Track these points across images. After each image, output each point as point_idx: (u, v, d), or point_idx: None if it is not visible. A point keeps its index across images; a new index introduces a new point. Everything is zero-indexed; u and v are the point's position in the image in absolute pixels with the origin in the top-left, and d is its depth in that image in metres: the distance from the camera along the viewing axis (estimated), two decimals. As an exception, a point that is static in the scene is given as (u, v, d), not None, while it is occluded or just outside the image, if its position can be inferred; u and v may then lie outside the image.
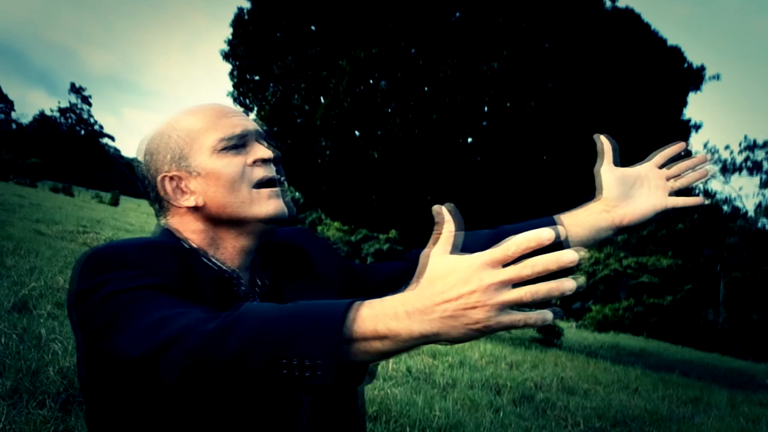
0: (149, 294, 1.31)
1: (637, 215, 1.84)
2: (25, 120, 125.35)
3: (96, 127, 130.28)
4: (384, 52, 18.05)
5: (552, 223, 1.87)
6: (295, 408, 1.53)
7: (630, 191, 1.85)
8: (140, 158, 1.67)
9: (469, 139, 19.64)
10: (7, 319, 7.41)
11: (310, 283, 1.72)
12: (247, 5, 21.36)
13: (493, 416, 8.41)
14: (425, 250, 1.13)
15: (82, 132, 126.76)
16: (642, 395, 12.75)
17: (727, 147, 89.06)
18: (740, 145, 60.42)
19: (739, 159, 60.13)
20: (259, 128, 1.66)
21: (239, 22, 21.33)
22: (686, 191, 1.88)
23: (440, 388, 9.48)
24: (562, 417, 9.44)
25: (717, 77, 22.70)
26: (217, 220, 1.58)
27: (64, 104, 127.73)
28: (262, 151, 1.60)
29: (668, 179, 1.87)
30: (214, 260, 1.57)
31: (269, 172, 1.60)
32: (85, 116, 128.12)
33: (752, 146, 59.49)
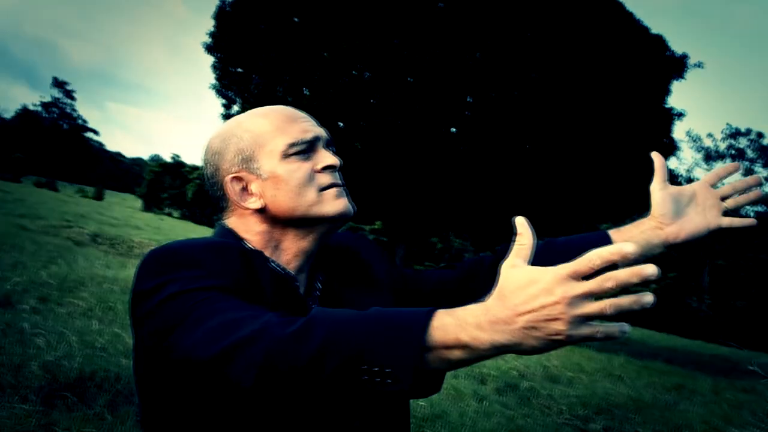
0: (215, 295, 1.32)
1: (691, 233, 1.83)
2: (8, 115, 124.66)
3: (79, 121, 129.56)
4: (367, 43, 18.04)
5: (605, 238, 1.89)
6: (350, 406, 1.54)
7: (683, 209, 1.85)
8: (207, 157, 1.68)
9: (453, 129, 19.65)
10: (-10, 314, 7.40)
11: (364, 287, 1.74)
12: (229, -3, 21.31)
13: (477, 405, 8.45)
14: (504, 261, 1.13)
15: (66, 126, 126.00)
16: (626, 383, 12.81)
17: (710, 135, 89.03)
18: (723, 132, 60.57)
19: (722, 146, 60.39)
20: (326, 134, 1.66)
21: (222, 14, 21.26)
22: (737, 211, 1.88)
23: (425, 377, 9.48)
24: (546, 405, 9.49)
25: (700, 65, 22.73)
26: (279, 223, 1.59)
27: (47, 99, 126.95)
28: (330, 158, 1.61)
29: (721, 199, 1.85)
30: (272, 262, 1.58)
31: (336, 179, 1.61)
32: (69, 110, 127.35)
33: (735, 134, 59.73)
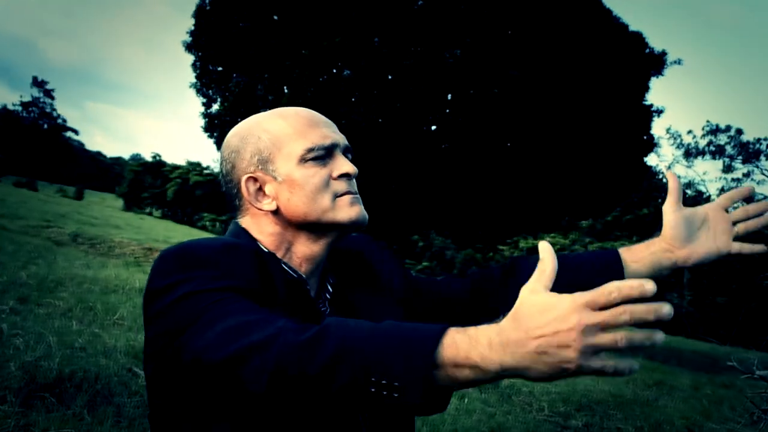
0: (229, 296, 1.33)
1: (701, 257, 1.83)
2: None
3: (59, 120, 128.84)
4: (347, 41, 18.03)
5: (616, 258, 1.89)
6: (355, 415, 1.56)
7: (695, 233, 1.84)
8: (224, 153, 1.69)
9: (433, 127, 19.67)
10: (-31, 315, 7.36)
11: (373, 291, 1.76)
12: (208, -5, 21.24)
13: (457, 402, 8.46)
14: (525, 285, 1.14)
15: (45, 126, 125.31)
16: (607, 379, 12.81)
17: (689, 132, 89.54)
18: (703, 129, 60.73)
19: (702, 143, 60.58)
20: (345, 141, 1.68)
21: (201, 12, 21.19)
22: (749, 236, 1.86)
23: (406, 375, 9.47)
24: (527, 402, 9.51)
25: (679, 62, 22.83)
26: (292, 226, 1.61)
27: (27, 98, 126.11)
28: (347, 166, 1.63)
29: (733, 223, 1.84)
30: (284, 264, 1.59)
31: (351, 187, 1.63)
32: (48, 110, 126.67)
33: (715, 130, 59.94)
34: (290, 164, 1.58)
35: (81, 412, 5.18)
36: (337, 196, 1.59)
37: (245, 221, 1.64)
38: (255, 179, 1.60)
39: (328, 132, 1.63)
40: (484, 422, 7.83)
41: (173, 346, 1.32)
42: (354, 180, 1.65)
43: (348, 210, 1.59)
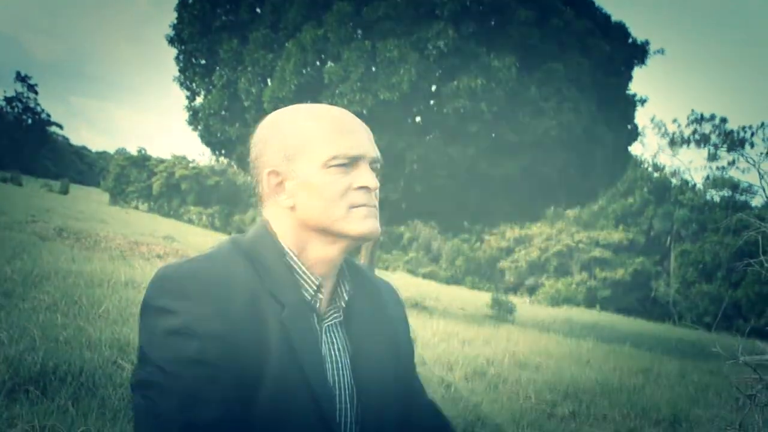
0: (202, 360, 1.38)
1: None
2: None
3: (43, 115, 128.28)
4: (330, 33, 18.01)
5: None
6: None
7: None
8: (254, 139, 1.69)
9: (417, 118, 19.68)
10: (-48, 309, 7.34)
11: (374, 330, 1.73)
12: (191, -12, 21.18)
13: (444, 392, 8.47)
14: None
15: (30, 121, 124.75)
16: (593, 367, 12.90)
17: (674, 120, 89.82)
18: (688, 118, 60.95)
19: (687, 132, 60.81)
20: (374, 152, 1.66)
21: (184, 5, 21.14)
22: None
23: (392, 366, 9.47)
24: (513, 391, 9.54)
25: (661, 52, 22.95)
26: (306, 227, 1.61)
27: (10, 93, 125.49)
28: (370, 179, 1.61)
29: None
30: (299, 264, 1.61)
31: (369, 200, 1.61)
32: (32, 105, 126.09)
33: (699, 119, 60.19)
34: (312, 168, 1.58)
35: (65, 404, 5.18)
36: (352, 207, 1.58)
37: (268, 212, 1.66)
38: (277, 173, 1.61)
39: (357, 142, 1.62)
40: (470, 411, 7.85)
41: (139, 368, 1.41)
42: (374, 193, 1.63)
43: (360, 223, 1.58)
